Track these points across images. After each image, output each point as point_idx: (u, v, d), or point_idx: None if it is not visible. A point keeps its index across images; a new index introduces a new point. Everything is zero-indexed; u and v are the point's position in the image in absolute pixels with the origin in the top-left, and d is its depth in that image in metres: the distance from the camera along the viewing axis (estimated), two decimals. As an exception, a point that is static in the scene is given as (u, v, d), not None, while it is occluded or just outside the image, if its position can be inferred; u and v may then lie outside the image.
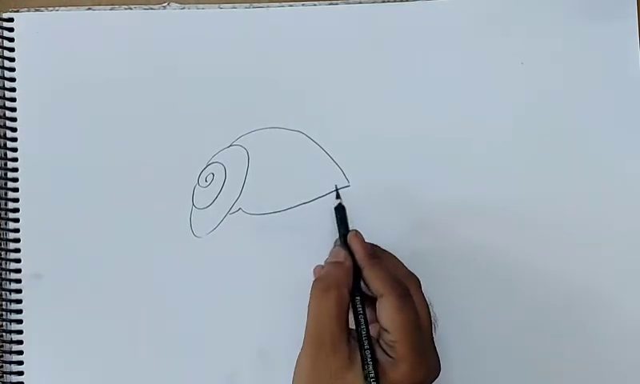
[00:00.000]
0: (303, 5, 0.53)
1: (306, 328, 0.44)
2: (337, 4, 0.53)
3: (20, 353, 0.51)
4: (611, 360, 0.51)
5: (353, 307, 0.45)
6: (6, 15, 0.53)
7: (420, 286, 0.46)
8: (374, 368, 0.42)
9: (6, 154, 0.52)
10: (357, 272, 0.46)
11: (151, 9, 0.53)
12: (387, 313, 0.43)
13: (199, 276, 0.51)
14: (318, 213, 0.52)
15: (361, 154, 0.52)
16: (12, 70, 0.53)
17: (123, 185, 0.52)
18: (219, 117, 0.52)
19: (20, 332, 0.51)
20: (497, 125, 0.52)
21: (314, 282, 0.45)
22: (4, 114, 0.52)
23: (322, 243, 0.51)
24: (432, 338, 0.45)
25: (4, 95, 0.52)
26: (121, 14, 0.53)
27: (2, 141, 0.52)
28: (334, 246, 0.49)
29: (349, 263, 0.46)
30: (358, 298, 0.45)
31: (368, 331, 0.44)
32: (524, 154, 0.52)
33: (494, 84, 0.52)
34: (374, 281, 0.45)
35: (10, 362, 0.51)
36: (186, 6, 0.53)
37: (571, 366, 0.51)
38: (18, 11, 0.53)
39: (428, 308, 0.45)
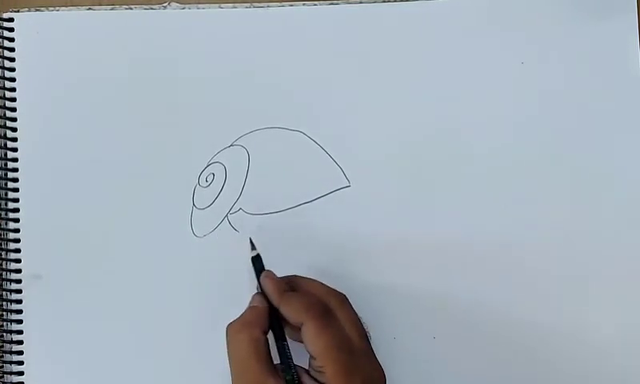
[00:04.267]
0: (303, 5, 0.53)
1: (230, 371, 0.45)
2: (337, 4, 0.53)
3: (20, 353, 0.51)
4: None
5: (277, 346, 0.45)
6: (6, 15, 0.53)
7: (345, 302, 0.46)
8: None
9: (6, 154, 0.52)
10: (275, 312, 0.46)
11: (151, 9, 0.53)
12: (309, 339, 0.43)
13: (199, 276, 0.51)
14: (317, 213, 0.52)
15: (361, 154, 0.52)
16: (12, 70, 0.53)
17: (123, 185, 0.52)
18: (219, 117, 0.52)
19: (20, 332, 0.51)
20: (497, 124, 0.52)
21: (227, 327, 0.45)
22: (4, 114, 0.52)
23: (322, 243, 0.51)
24: (367, 350, 0.45)
25: (4, 95, 0.52)
26: (121, 14, 0.53)
27: (2, 141, 0.52)
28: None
29: (263, 306, 0.46)
30: (275, 335, 0.46)
31: (291, 366, 0.44)
32: (524, 154, 0.52)
33: (494, 84, 0.53)
34: (291, 313, 0.45)
35: (10, 362, 0.51)
36: (186, 5, 0.53)
37: None
38: (18, 11, 0.53)
39: (358, 321, 0.45)
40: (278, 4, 0.53)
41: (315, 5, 0.53)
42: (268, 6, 0.53)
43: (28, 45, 0.53)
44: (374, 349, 0.45)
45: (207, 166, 0.52)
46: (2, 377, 0.51)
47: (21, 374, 0.51)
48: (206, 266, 0.51)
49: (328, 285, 0.47)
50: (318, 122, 0.52)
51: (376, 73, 0.53)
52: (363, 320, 0.46)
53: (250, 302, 0.47)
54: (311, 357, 0.44)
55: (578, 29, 0.53)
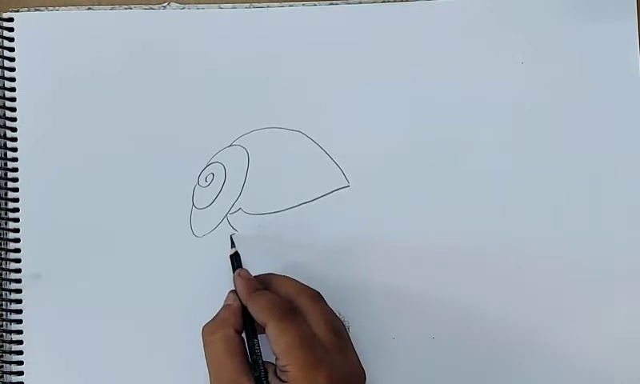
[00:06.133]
0: (303, 5, 0.53)
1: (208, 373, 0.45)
2: (337, 4, 0.53)
3: (20, 353, 0.51)
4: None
5: (247, 344, 0.46)
6: (5, 15, 0.53)
7: (316, 298, 0.46)
8: None
9: (6, 154, 0.52)
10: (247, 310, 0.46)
11: (151, 9, 0.53)
12: (272, 339, 0.44)
13: (199, 276, 0.51)
14: (317, 213, 0.52)
15: (360, 154, 0.52)
16: (12, 69, 0.53)
17: (123, 185, 0.52)
18: (219, 117, 0.53)
19: (20, 332, 0.51)
20: (496, 124, 0.52)
21: (202, 328, 0.46)
22: (4, 114, 0.52)
23: (321, 243, 0.51)
24: (339, 346, 0.45)
25: (4, 95, 0.52)
26: (121, 14, 0.53)
27: (2, 141, 0.52)
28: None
29: (236, 304, 0.47)
30: (246, 333, 0.46)
31: (259, 364, 0.45)
32: (523, 154, 0.52)
33: (494, 84, 0.53)
34: (257, 313, 0.45)
35: (10, 362, 0.51)
36: (186, 5, 0.53)
37: None
38: (18, 11, 0.53)
39: (331, 317, 0.45)
40: (278, 4, 0.53)
41: (315, 5, 0.53)
42: (268, 6, 0.53)
43: (28, 45, 0.53)
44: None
45: (207, 165, 0.52)
46: (2, 377, 0.51)
47: (21, 373, 0.51)
48: (206, 266, 0.51)
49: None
50: (318, 122, 0.52)
51: (376, 73, 0.53)
52: (342, 315, 0.46)
53: (225, 300, 0.47)
54: (275, 356, 0.44)
55: (578, 29, 0.53)
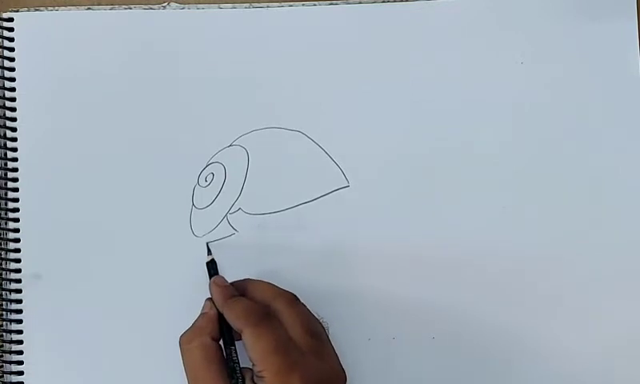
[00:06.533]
0: (303, 5, 0.53)
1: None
2: (337, 4, 0.53)
3: (20, 353, 0.51)
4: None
5: (225, 351, 0.46)
6: (5, 15, 0.53)
7: (292, 302, 0.46)
8: None
9: (6, 154, 0.52)
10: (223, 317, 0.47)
11: (151, 9, 0.53)
12: (248, 345, 0.44)
13: (199, 276, 0.51)
14: (317, 213, 0.52)
15: (360, 154, 0.52)
16: (12, 69, 0.53)
17: (123, 184, 0.52)
18: (219, 117, 0.53)
19: (20, 332, 0.51)
20: (496, 124, 0.52)
21: (179, 338, 0.46)
22: (4, 114, 0.52)
23: (321, 243, 0.51)
24: (316, 348, 0.45)
25: (4, 95, 0.52)
26: (121, 14, 0.53)
27: (2, 141, 0.52)
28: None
29: (212, 311, 0.47)
30: (224, 340, 0.46)
31: (236, 371, 0.45)
32: (523, 154, 0.52)
33: (494, 84, 0.52)
34: (233, 320, 0.45)
35: (10, 362, 0.51)
36: (186, 5, 0.53)
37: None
38: (17, 11, 0.53)
39: (307, 320, 0.46)
40: (278, 4, 0.53)
41: (315, 5, 0.53)
42: (268, 6, 0.53)
43: (28, 45, 0.53)
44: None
45: (207, 165, 0.52)
46: (2, 377, 0.51)
47: (21, 373, 0.51)
48: (205, 266, 0.51)
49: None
50: (318, 122, 0.52)
51: (375, 73, 0.53)
52: (321, 317, 0.46)
53: (202, 308, 0.48)
54: (251, 362, 0.44)
55: (578, 29, 0.53)
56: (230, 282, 0.48)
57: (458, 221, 0.52)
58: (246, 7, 0.53)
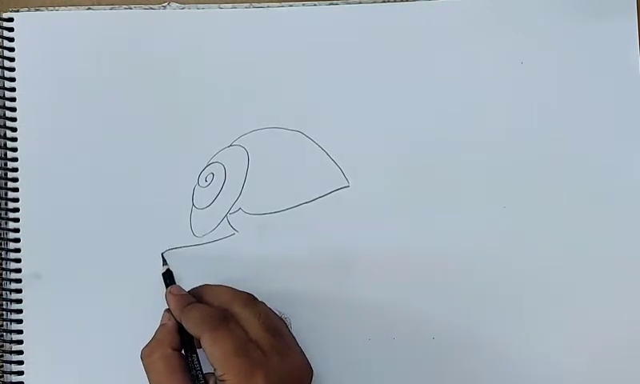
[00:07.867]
0: (303, 5, 0.53)
1: None
2: (337, 4, 0.53)
3: (20, 353, 0.51)
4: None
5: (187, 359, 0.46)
6: (5, 15, 0.53)
7: (249, 302, 0.46)
8: None
9: (6, 154, 0.52)
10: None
11: (151, 9, 0.53)
12: (207, 350, 0.44)
13: (199, 276, 0.51)
14: (317, 213, 0.52)
15: (360, 154, 0.52)
16: (12, 69, 0.53)
17: (123, 185, 0.52)
18: (219, 117, 0.53)
19: (20, 332, 0.51)
20: (496, 124, 0.52)
21: (140, 352, 0.46)
22: (4, 114, 0.52)
23: (321, 243, 0.51)
24: (278, 346, 0.44)
25: (4, 95, 0.52)
26: (121, 14, 0.53)
27: (2, 141, 0.52)
28: None
29: (171, 322, 0.47)
30: (185, 349, 0.46)
31: (199, 378, 0.45)
32: (523, 154, 0.52)
33: (494, 84, 0.52)
34: (191, 328, 0.45)
35: (10, 362, 0.51)
36: (186, 5, 0.53)
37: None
38: (18, 11, 0.53)
39: (267, 318, 0.46)
40: (278, 4, 0.53)
41: (315, 5, 0.53)
42: (268, 6, 0.53)
43: (28, 45, 0.53)
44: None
45: (207, 165, 0.52)
46: (2, 377, 0.51)
47: (21, 373, 0.51)
48: (206, 266, 0.51)
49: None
50: (318, 122, 0.52)
51: (375, 73, 0.53)
52: (282, 313, 0.46)
53: (161, 319, 0.48)
54: (213, 367, 0.44)
55: (578, 29, 0.53)
56: (187, 290, 0.49)
57: (458, 221, 0.52)
58: (246, 7, 0.53)
